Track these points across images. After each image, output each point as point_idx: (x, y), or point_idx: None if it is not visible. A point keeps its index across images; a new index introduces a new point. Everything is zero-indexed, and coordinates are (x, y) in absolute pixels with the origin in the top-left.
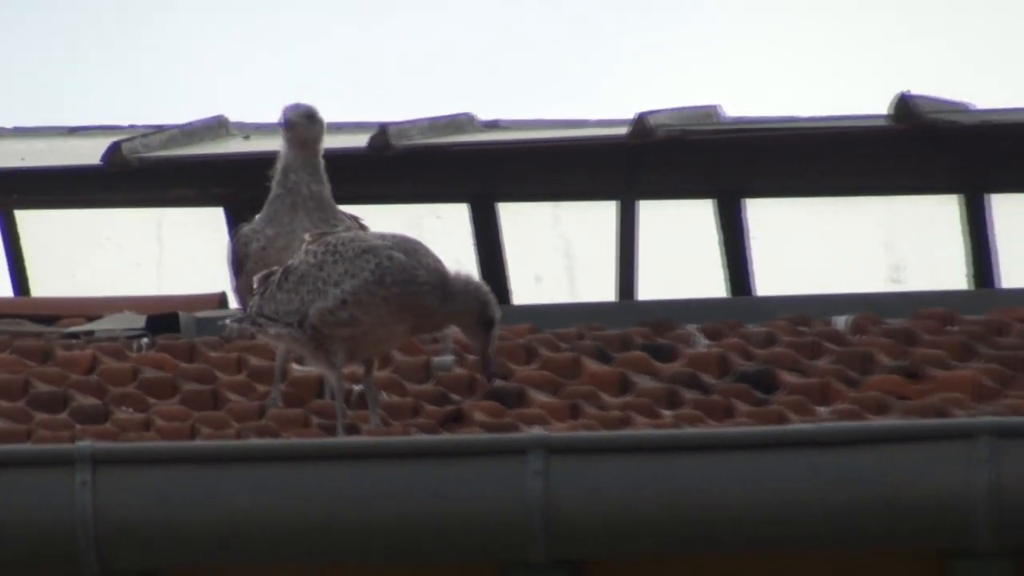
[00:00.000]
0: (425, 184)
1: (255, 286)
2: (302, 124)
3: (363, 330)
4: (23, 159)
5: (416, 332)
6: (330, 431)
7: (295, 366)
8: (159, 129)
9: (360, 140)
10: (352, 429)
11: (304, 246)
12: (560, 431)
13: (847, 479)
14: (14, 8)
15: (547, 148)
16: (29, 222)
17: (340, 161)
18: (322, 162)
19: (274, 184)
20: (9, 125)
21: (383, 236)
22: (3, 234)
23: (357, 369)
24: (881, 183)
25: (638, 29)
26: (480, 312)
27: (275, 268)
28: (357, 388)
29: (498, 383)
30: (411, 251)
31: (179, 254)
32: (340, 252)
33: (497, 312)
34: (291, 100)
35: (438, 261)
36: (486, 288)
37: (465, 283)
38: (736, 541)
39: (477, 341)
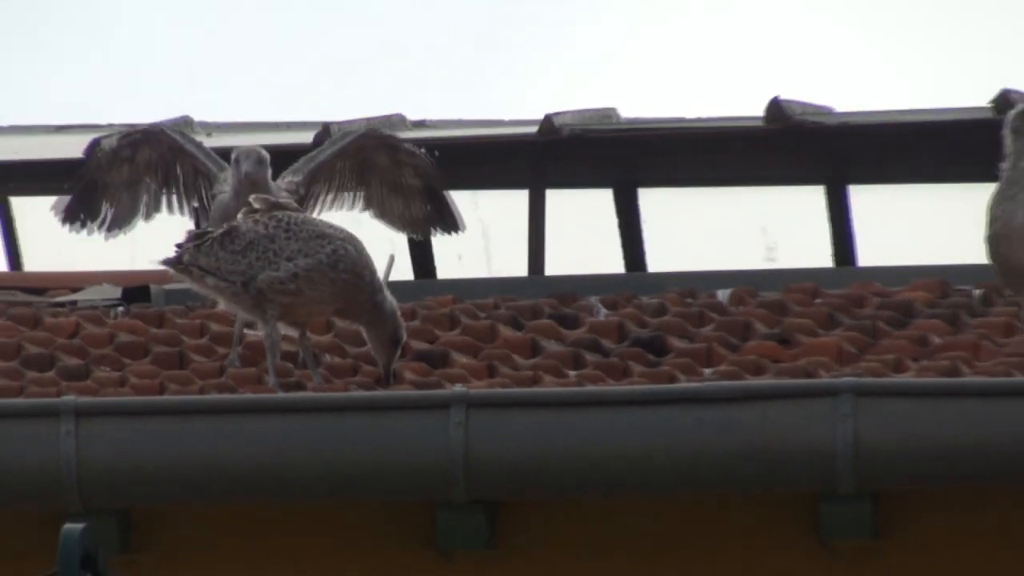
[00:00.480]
0: None
1: (185, 239)
2: (252, 173)
3: (302, 301)
4: (17, 153)
5: (339, 315)
6: (287, 388)
7: (248, 331)
8: (133, 128)
9: (305, 137)
10: (298, 386)
11: (247, 214)
12: (479, 388)
13: (728, 431)
14: (14, 17)
15: (466, 144)
16: (23, 207)
17: (288, 156)
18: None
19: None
20: (5, 124)
21: (332, 226)
22: (1, 218)
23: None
24: (757, 175)
25: (545, 37)
26: (394, 331)
27: (209, 228)
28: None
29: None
30: (360, 249)
31: (151, 235)
32: (294, 231)
33: (405, 335)
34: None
35: (375, 270)
36: (399, 312)
37: (392, 302)
38: (631, 486)
39: (383, 355)
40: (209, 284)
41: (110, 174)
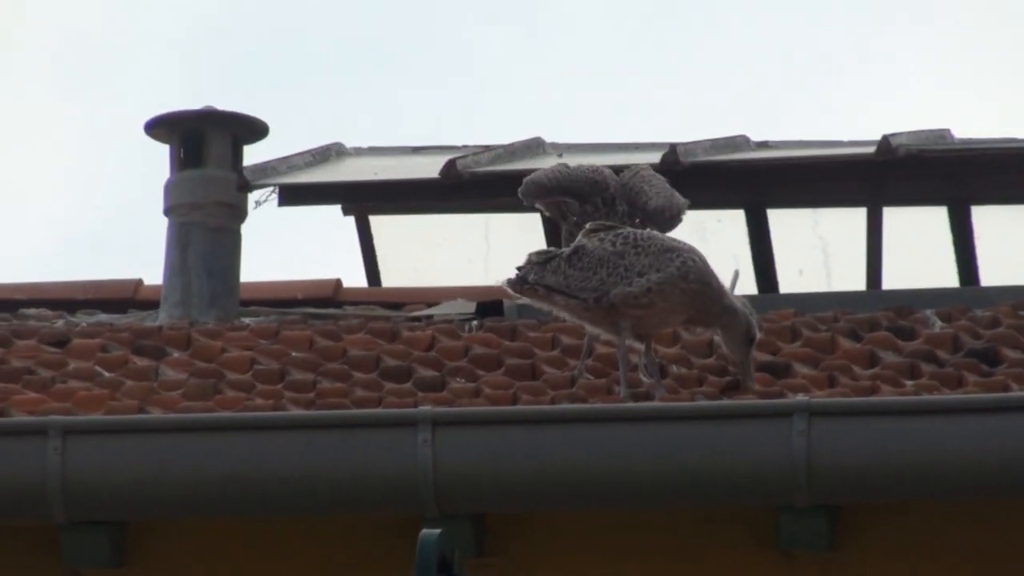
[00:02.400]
0: (708, 194)
1: (526, 262)
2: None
3: (653, 313)
4: (376, 173)
5: (690, 324)
6: (636, 398)
7: (599, 344)
8: (487, 148)
9: (652, 158)
10: (647, 396)
11: (588, 235)
12: (820, 397)
13: None
14: (367, 46)
15: (808, 164)
16: (381, 225)
17: None
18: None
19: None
20: (365, 145)
21: (677, 240)
22: (360, 235)
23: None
24: None
25: (881, 63)
26: (747, 329)
27: (551, 248)
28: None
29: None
30: (704, 259)
31: (503, 252)
32: (642, 247)
33: (758, 332)
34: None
35: (719, 277)
36: (749, 307)
37: (740, 301)
38: (966, 491)
39: (739, 354)
40: (558, 302)
41: None
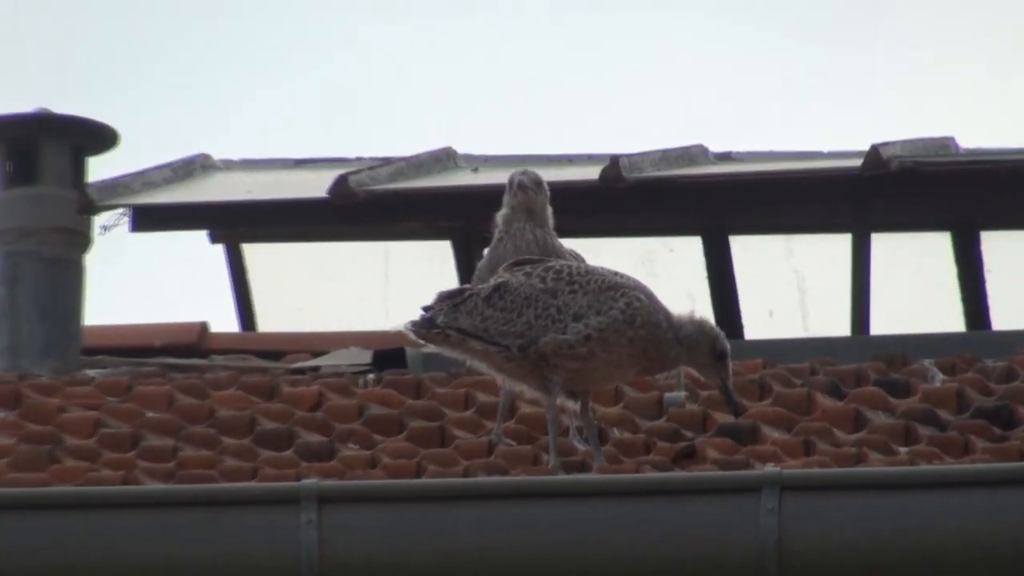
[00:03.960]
0: (657, 217)
1: (435, 299)
2: (531, 189)
3: (594, 366)
4: (250, 192)
5: (643, 374)
6: (568, 469)
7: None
8: (386, 161)
9: (592, 172)
10: (582, 467)
11: (511, 268)
12: (793, 468)
13: None
14: (246, 44)
15: (779, 180)
16: (256, 255)
17: (572, 194)
18: (549, 211)
19: (496, 231)
20: (236, 158)
21: (619, 274)
22: (230, 268)
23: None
24: None
25: (870, 59)
26: (711, 347)
27: (465, 287)
28: (577, 424)
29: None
30: (650, 295)
31: (406, 288)
32: (579, 283)
33: (727, 344)
34: (519, 133)
35: (666, 309)
36: (710, 322)
37: (690, 322)
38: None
39: (713, 377)
40: (474, 350)
41: None
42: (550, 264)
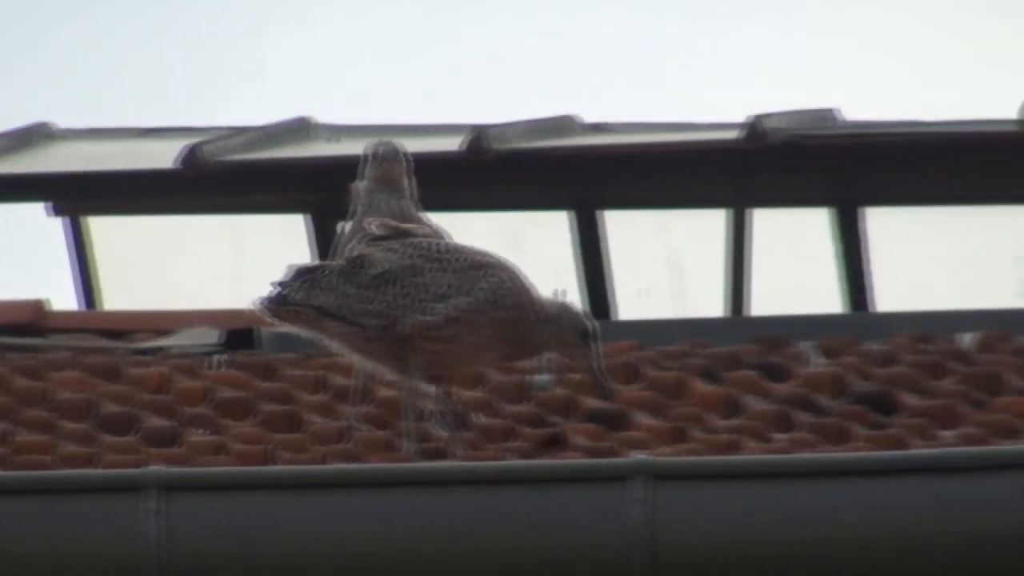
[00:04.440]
0: (524, 191)
1: (288, 274)
2: (390, 160)
3: (458, 348)
4: (94, 162)
5: (508, 360)
6: (426, 456)
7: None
8: (239, 131)
9: (456, 143)
10: (439, 454)
11: (371, 242)
12: (665, 456)
13: (974, 509)
14: (91, 3)
15: (654, 152)
16: (101, 229)
17: (435, 166)
18: (408, 182)
19: (354, 204)
20: (79, 126)
21: (484, 252)
22: (73, 242)
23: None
24: (1011, 191)
25: (751, 27)
26: (574, 328)
27: (322, 262)
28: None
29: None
30: (517, 274)
31: (259, 263)
32: (444, 261)
33: (593, 322)
34: (380, 102)
35: (533, 289)
36: (572, 303)
37: (552, 303)
38: (850, 574)
39: (581, 358)
40: (329, 329)
41: None
42: (412, 239)
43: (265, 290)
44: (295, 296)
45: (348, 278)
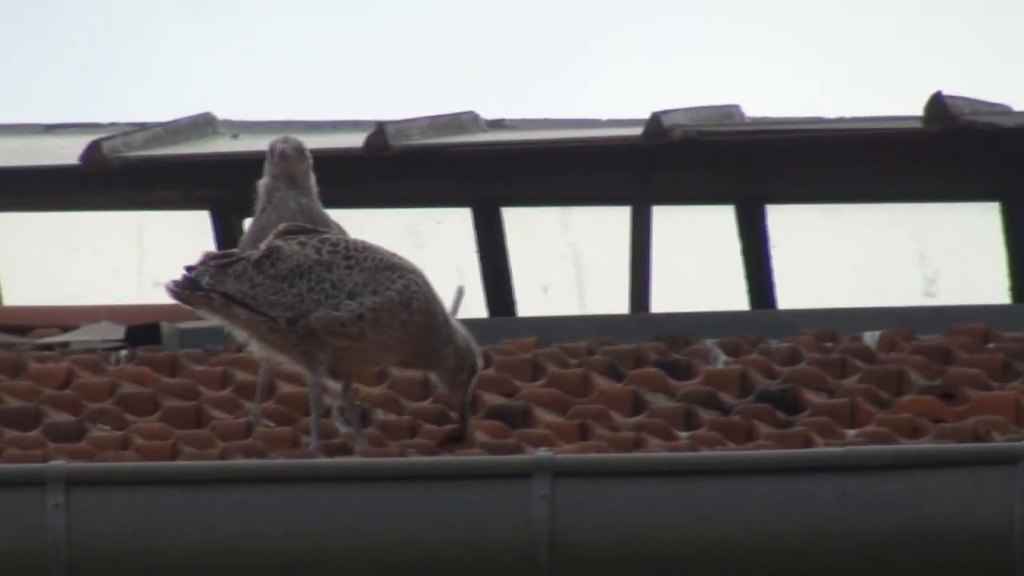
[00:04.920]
0: (425, 187)
1: (200, 260)
2: (293, 157)
3: (363, 346)
4: None
5: (406, 366)
6: (330, 452)
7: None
8: (141, 127)
9: (356, 140)
10: (344, 450)
11: (283, 236)
12: (568, 453)
13: (878, 508)
14: None
15: (555, 149)
16: (2, 226)
17: (335, 162)
18: (312, 178)
19: (258, 201)
20: None
21: (397, 256)
22: None
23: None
24: (914, 189)
25: (653, 23)
26: (471, 364)
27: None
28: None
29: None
30: (429, 284)
31: (162, 260)
32: (356, 259)
33: (482, 363)
34: (282, 98)
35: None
36: (474, 341)
37: (462, 334)
38: (756, 572)
39: (460, 392)
40: (238, 318)
41: None
42: (326, 236)
43: (176, 275)
44: (205, 281)
45: (260, 268)
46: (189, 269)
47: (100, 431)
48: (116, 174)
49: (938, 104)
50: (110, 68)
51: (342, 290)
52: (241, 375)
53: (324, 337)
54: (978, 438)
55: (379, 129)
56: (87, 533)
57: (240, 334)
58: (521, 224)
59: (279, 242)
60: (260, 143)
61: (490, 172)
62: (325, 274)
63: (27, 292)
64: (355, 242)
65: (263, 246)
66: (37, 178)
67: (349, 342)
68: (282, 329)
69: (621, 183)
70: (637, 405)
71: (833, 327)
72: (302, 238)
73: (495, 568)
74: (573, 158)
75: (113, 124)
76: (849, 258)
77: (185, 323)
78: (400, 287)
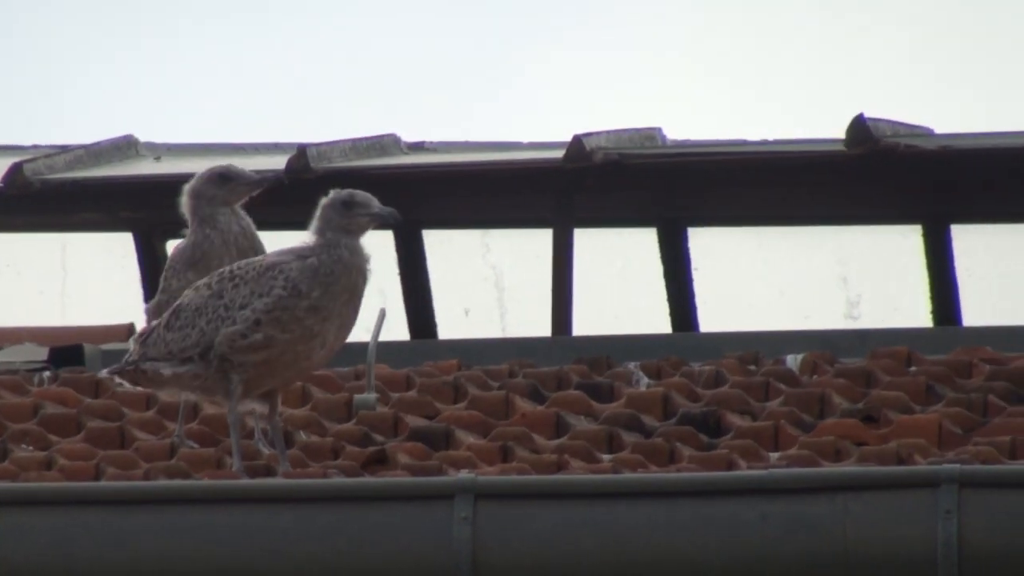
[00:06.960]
0: None
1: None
2: (232, 180)
3: (280, 351)
4: None
5: (340, 332)
6: (253, 473)
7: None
8: (64, 149)
9: (278, 162)
10: (267, 471)
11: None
12: (489, 475)
13: (800, 530)
14: None
15: (477, 172)
16: None
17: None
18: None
19: (194, 224)
20: None
21: (278, 252)
22: None
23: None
24: (835, 212)
25: (575, 47)
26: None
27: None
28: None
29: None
30: (316, 266)
31: (85, 282)
32: (240, 276)
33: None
34: (204, 121)
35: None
36: None
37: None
38: None
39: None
40: (166, 375)
41: None
42: (221, 270)
43: (93, 308)
44: (131, 357)
45: (169, 327)
46: (125, 363)
47: (23, 451)
48: (38, 196)
49: (860, 126)
50: (32, 90)
51: (234, 307)
52: (164, 396)
53: (236, 357)
54: (901, 461)
55: (301, 152)
56: (9, 554)
57: (175, 395)
58: (442, 247)
59: (181, 299)
60: (183, 165)
61: (411, 195)
62: (218, 302)
63: None
64: (239, 262)
65: (170, 309)
66: None
67: (262, 353)
68: (202, 372)
69: (543, 206)
70: (559, 427)
71: (756, 350)
72: (199, 282)
73: None
74: (494, 181)
75: (35, 147)
76: (771, 281)
77: (108, 344)
78: (283, 281)
